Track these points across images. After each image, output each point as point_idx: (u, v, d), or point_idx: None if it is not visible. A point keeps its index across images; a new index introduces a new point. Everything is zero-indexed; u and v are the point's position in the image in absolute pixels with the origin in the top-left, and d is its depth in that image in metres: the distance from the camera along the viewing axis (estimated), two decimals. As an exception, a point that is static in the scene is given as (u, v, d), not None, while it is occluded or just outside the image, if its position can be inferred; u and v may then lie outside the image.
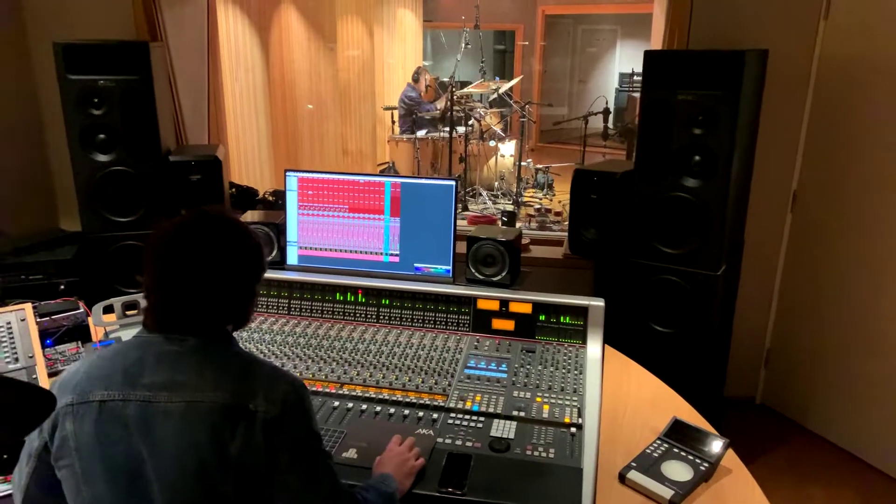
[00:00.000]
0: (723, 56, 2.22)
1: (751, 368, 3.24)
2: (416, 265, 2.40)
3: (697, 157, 2.32)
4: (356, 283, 2.31)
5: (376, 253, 2.43)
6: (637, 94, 9.21)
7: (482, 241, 2.34)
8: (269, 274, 2.26)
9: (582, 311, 2.12)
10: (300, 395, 1.29)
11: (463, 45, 6.64)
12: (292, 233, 2.47)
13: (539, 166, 7.09)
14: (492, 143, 6.61)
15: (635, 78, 10.88)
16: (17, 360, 1.92)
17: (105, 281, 2.75)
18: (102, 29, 3.09)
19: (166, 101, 2.94)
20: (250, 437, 1.19)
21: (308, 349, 2.05)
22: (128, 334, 2.19)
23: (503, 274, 2.34)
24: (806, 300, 3.02)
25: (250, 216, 2.60)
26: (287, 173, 2.45)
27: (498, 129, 6.99)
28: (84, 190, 2.68)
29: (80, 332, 2.15)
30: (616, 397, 1.94)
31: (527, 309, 2.17)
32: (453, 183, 2.33)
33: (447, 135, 6.53)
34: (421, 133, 6.63)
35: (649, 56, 2.37)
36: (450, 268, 2.36)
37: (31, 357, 1.94)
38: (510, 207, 5.89)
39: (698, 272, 2.40)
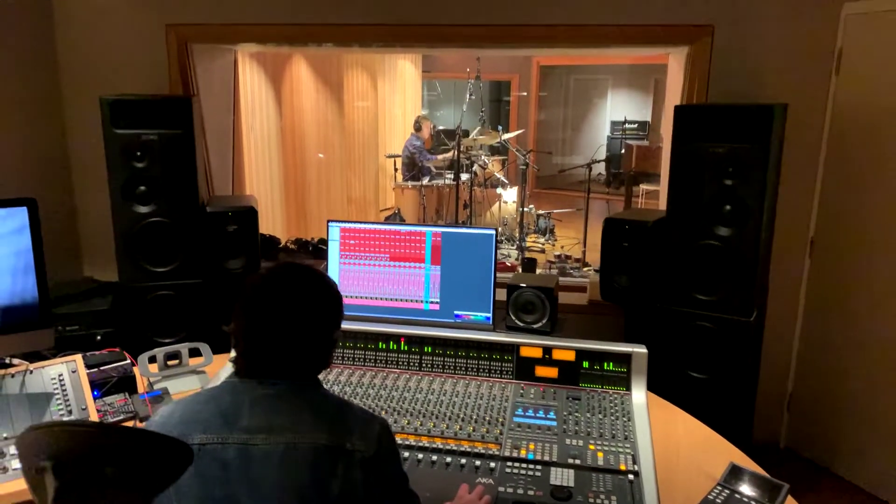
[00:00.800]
0: (752, 110, 2.34)
1: (774, 412, 3.27)
2: (456, 313, 2.44)
3: (728, 207, 2.41)
4: (398, 332, 2.33)
5: (417, 301, 2.47)
6: (633, 143, 9.48)
7: (522, 289, 2.39)
8: None
9: (625, 358, 2.16)
10: (391, 436, 1.37)
11: (468, 95, 6.80)
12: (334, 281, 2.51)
13: (540, 212, 7.21)
14: (498, 191, 6.73)
15: (627, 126, 11.19)
16: (70, 412, 1.92)
17: (141, 331, 2.76)
18: (136, 83, 3.17)
19: (200, 153, 3.00)
20: (349, 476, 1.24)
21: (353, 398, 2.07)
22: (173, 385, 2.20)
23: (544, 321, 2.39)
24: (826, 343, 3.08)
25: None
26: (329, 224, 2.50)
27: (501, 175, 7.13)
28: (123, 240, 2.72)
29: (125, 383, 2.15)
30: (666, 443, 1.96)
31: (570, 356, 2.20)
32: (493, 232, 2.40)
33: (451, 181, 6.67)
34: (426, 180, 6.76)
35: (679, 110, 2.48)
36: (490, 315, 2.41)
37: (83, 409, 1.94)
38: (514, 252, 5.98)
39: (732, 318, 2.46)
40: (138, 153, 2.67)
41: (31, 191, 3.18)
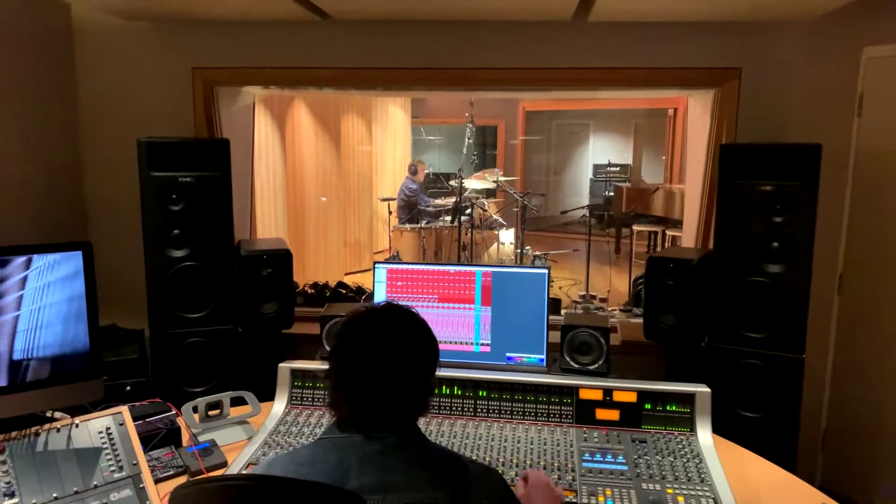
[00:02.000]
0: (801, 149, 2.39)
1: (809, 450, 3.24)
2: (508, 355, 2.39)
3: (776, 244, 2.43)
4: (451, 375, 2.26)
5: (467, 343, 2.42)
6: (622, 184, 9.63)
7: (578, 329, 2.36)
8: None
9: (688, 399, 2.12)
10: (507, 486, 1.32)
11: (467, 139, 6.88)
12: (379, 325, 2.45)
13: (537, 253, 7.24)
14: (502, 233, 6.76)
15: (610, 169, 11.42)
16: (121, 467, 1.81)
17: (172, 380, 2.65)
18: (160, 126, 3.12)
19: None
20: None
21: None
22: (219, 436, 2.09)
23: (600, 362, 2.35)
24: (857, 380, 3.09)
25: (330, 309, 2.57)
26: (376, 265, 2.46)
27: (499, 217, 7.17)
28: (155, 285, 2.62)
29: (169, 436, 2.04)
30: (743, 484, 1.91)
31: (632, 398, 2.15)
32: (545, 272, 2.38)
33: (449, 224, 6.68)
34: (423, 222, 6.76)
35: (726, 149, 2.53)
36: (543, 357, 2.36)
37: (134, 464, 1.83)
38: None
39: (783, 355, 2.45)
40: (174, 196, 2.60)
41: (48, 236, 3.11)
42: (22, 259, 1.76)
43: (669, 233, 7.96)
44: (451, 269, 2.42)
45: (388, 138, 8.70)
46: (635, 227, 8.23)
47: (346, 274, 7.14)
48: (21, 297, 1.77)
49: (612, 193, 10.69)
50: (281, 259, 2.79)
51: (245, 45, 3.18)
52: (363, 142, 7.55)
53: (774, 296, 2.46)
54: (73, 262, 1.84)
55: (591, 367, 2.32)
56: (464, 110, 9.87)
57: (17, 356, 1.77)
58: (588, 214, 11.16)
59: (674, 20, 2.95)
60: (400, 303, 1.37)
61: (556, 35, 3.02)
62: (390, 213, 7.74)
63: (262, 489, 0.89)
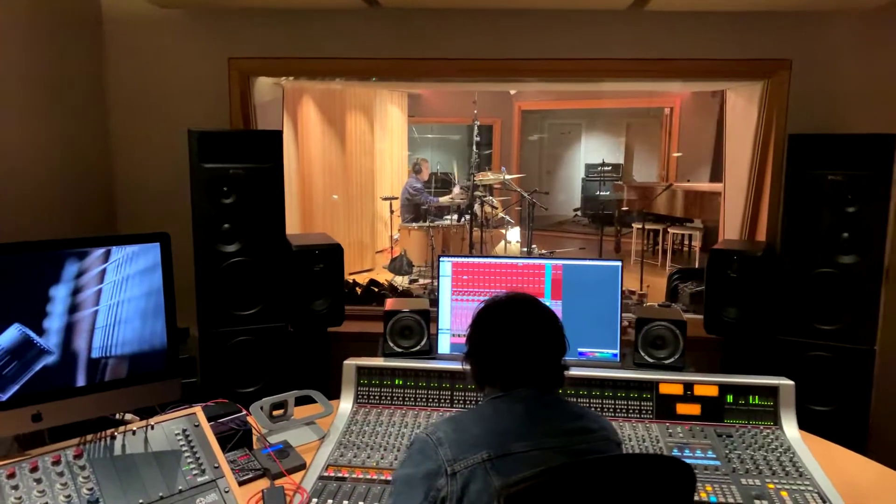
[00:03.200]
0: (874, 139, 2.37)
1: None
2: (580, 350, 2.33)
3: (846, 234, 2.41)
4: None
5: (537, 338, 2.35)
6: (619, 182, 9.66)
7: (653, 323, 2.31)
8: (422, 364, 2.15)
9: (771, 392, 2.09)
10: None
11: (475, 137, 6.82)
12: (444, 320, 2.38)
13: (543, 251, 7.21)
14: (508, 231, 6.71)
15: (604, 168, 11.45)
16: (203, 471, 1.71)
17: (222, 380, 2.53)
18: (194, 118, 3.00)
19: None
20: None
21: None
22: (291, 437, 2.00)
23: (677, 356, 2.30)
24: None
25: (394, 304, 2.48)
26: (440, 259, 2.38)
27: (506, 216, 7.12)
28: (204, 282, 2.50)
29: (242, 438, 1.94)
30: (840, 478, 1.86)
31: (713, 392, 2.11)
32: (619, 264, 2.32)
33: (456, 222, 6.61)
34: (430, 220, 6.69)
35: (795, 139, 2.50)
36: (617, 352, 2.31)
37: (216, 467, 1.73)
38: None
39: (854, 347, 2.43)
40: (224, 188, 2.49)
41: (78, 233, 2.97)
42: (100, 251, 1.66)
43: (672, 230, 7.99)
44: (519, 262, 2.35)
45: (387, 137, 8.60)
46: (635, 226, 8.23)
47: (350, 274, 7.03)
48: (100, 291, 1.66)
49: (606, 193, 10.73)
50: (332, 254, 2.70)
51: (282, 35, 3.07)
52: (366, 140, 7.45)
53: (844, 287, 2.44)
54: (151, 254, 1.73)
55: (667, 362, 2.27)
56: (460, 109, 9.81)
57: (95, 354, 1.66)
58: (583, 214, 11.19)
59: (727, 10, 2.91)
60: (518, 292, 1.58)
61: (609, 25, 2.96)
62: (392, 212, 7.65)
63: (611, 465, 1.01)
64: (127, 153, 3.16)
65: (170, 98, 3.11)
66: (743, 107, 3.24)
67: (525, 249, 6.92)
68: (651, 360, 2.28)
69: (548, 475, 0.99)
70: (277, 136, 2.59)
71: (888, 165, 2.35)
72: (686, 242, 8.37)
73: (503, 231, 6.99)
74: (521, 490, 0.84)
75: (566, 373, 1.50)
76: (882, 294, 3.12)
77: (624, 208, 8.15)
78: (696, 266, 7.29)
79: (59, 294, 1.61)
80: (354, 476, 1.77)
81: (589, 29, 2.97)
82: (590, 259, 2.31)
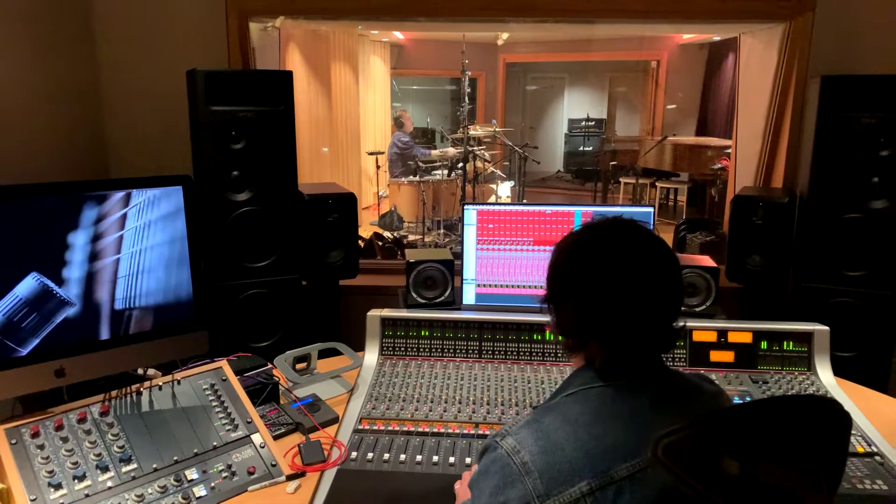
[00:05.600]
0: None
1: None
2: (610, 298, 2.27)
3: (876, 179, 2.36)
4: (544, 320, 2.13)
5: (566, 287, 2.29)
6: (609, 137, 9.58)
7: (685, 270, 2.25)
8: (445, 314, 2.08)
9: (805, 338, 2.06)
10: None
11: (466, 89, 6.64)
12: (469, 270, 2.29)
13: (534, 207, 7.14)
14: (500, 187, 6.61)
15: (588, 123, 11.37)
16: (236, 426, 1.63)
17: (234, 334, 2.43)
18: (189, 60, 2.81)
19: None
20: None
21: (505, 394, 1.87)
22: (319, 390, 1.92)
23: (708, 303, 2.26)
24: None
25: (417, 254, 2.39)
26: (465, 206, 2.28)
27: (497, 170, 7.02)
28: (213, 233, 2.37)
29: (270, 393, 1.86)
30: (879, 420, 1.85)
31: (747, 338, 2.07)
32: (651, 210, 2.25)
33: (446, 177, 6.49)
34: (420, 175, 6.56)
35: (828, 80, 2.42)
36: (646, 299, 2.26)
37: (249, 422, 1.65)
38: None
39: (881, 293, 2.41)
40: (233, 133, 2.33)
41: (68, 175, 2.80)
42: (120, 194, 1.53)
43: (660, 185, 7.97)
44: (548, 209, 2.26)
45: (370, 89, 8.38)
46: (623, 181, 8.20)
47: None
48: (121, 238, 1.54)
49: (589, 148, 10.65)
50: (346, 203, 2.58)
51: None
52: (351, 91, 7.22)
53: (873, 232, 2.40)
54: (173, 198, 1.61)
55: (699, 309, 2.23)
56: (443, 61, 9.56)
57: (118, 306, 1.55)
58: (565, 171, 11.10)
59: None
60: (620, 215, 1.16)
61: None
62: (378, 167, 7.48)
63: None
64: (119, 97, 2.96)
65: (164, 40, 2.91)
66: (761, 51, 3.15)
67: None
68: (683, 308, 2.23)
69: (705, 422, 0.82)
70: (288, 76, 2.43)
71: (922, 106, 2.30)
72: (672, 197, 8.38)
73: (493, 186, 6.89)
74: (677, 440, 0.76)
75: (679, 331, 1.13)
76: None
77: (612, 163, 8.08)
78: (685, 217, 7.31)
79: (78, 241, 1.48)
80: (390, 428, 1.71)
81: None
82: (619, 206, 2.22)
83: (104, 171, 2.98)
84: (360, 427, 1.72)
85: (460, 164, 6.47)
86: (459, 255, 2.31)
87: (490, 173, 7.00)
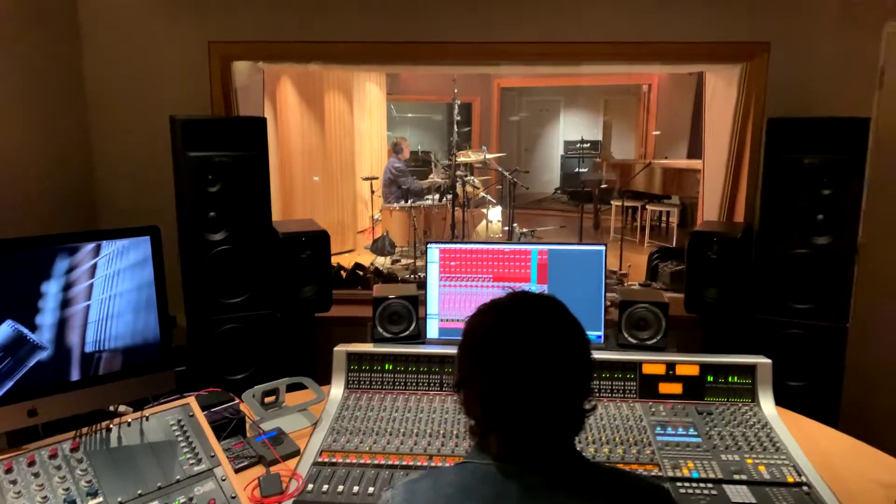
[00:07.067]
0: (848, 122, 2.43)
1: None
2: (565, 332, 2.38)
3: (821, 216, 2.48)
4: (511, 355, 2.23)
5: (524, 322, 2.40)
6: (599, 160, 9.72)
7: (636, 305, 2.36)
8: (409, 348, 2.19)
9: (749, 370, 2.16)
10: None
11: (456, 116, 6.80)
12: (433, 305, 2.41)
13: (524, 230, 7.26)
14: (490, 211, 6.74)
15: (582, 145, 11.52)
16: (200, 460, 1.74)
17: (211, 368, 2.55)
18: (174, 104, 2.97)
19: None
20: None
21: (461, 426, 1.95)
22: (284, 423, 2.03)
23: (659, 337, 2.37)
24: (874, 349, 3.18)
25: (382, 290, 2.51)
26: (428, 245, 2.41)
27: (487, 195, 7.14)
28: (191, 271, 2.50)
29: (236, 426, 1.97)
30: (814, 452, 1.94)
31: (694, 371, 2.17)
32: (602, 248, 2.36)
33: (438, 202, 6.63)
34: (412, 201, 6.70)
35: (773, 123, 2.55)
36: (601, 334, 2.36)
37: (212, 456, 1.76)
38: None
39: (829, 325, 2.52)
40: (210, 176, 2.48)
41: (58, 225, 2.94)
42: (91, 246, 1.66)
43: (650, 207, 8.09)
44: (506, 247, 2.38)
45: (366, 116, 8.55)
46: (615, 203, 8.32)
47: (332, 255, 7.02)
48: (91, 286, 1.66)
49: (584, 170, 10.78)
50: (319, 240, 2.71)
51: (263, 19, 3.04)
52: (345, 120, 7.40)
53: (819, 267, 2.51)
54: (141, 248, 1.74)
55: (650, 343, 2.33)
56: (439, 87, 9.75)
57: (88, 349, 1.67)
58: (562, 192, 11.22)
59: (705, -7, 2.94)
60: (528, 290, 1.20)
61: (587, 8, 2.97)
62: (373, 192, 7.63)
63: None
64: (107, 141, 3.12)
65: (149, 84, 3.08)
66: (722, 89, 3.28)
67: (506, 228, 6.97)
68: (634, 342, 2.34)
69: None
70: (262, 122, 2.58)
71: (862, 149, 2.42)
72: (664, 219, 8.49)
73: (484, 211, 7.02)
74: None
75: (589, 412, 1.10)
76: (854, 272, 3.24)
77: (603, 185, 8.21)
78: (675, 243, 7.42)
79: (51, 290, 1.61)
80: (348, 461, 1.81)
81: (567, 12, 2.97)
82: (574, 244, 2.35)
83: (94, 213, 3.12)
84: (320, 460, 1.82)
85: (457, 188, 6.61)
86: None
87: (481, 198, 7.13)
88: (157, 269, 1.75)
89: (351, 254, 7.44)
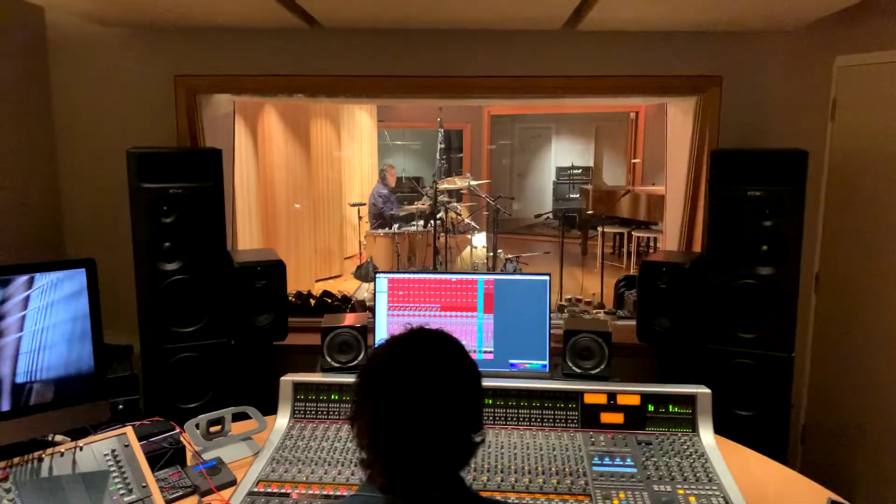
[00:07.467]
0: (789, 154, 2.48)
1: (790, 446, 3.34)
2: (511, 361, 2.41)
3: (766, 247, 2.52)
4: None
5: (470, 351, 2.42)
6: (587, 187, 9.79)
7: (580, 335, 2.39)
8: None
9: (689, 400, 2.17)
10: None
11: (439, 144, 6.89)
12: (381, 334, 2.44)
13: (509, 256, 7.30)
14: (474, 237, 6.79)
15: (574, 171, 11.61)
16: (130, 490, 1.76)
17: (165, 397, 2.58)
18: (140, 136, 3.04)
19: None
20: None
21: None
22: (225, 454, 2.05)
23: (602, 366, 2.39)
24: (835, 376, 3.20)
25: (332, 320, 2.55)
26: (377, 275, 2.45)
27: (471, 222, 7.20)
28: (146, 300, 2.55)
29: (174, 455, 1.99)
30: (748, 482, 1.96)
31: (635, 401, 2.19)
32: (547, 278, 2.40)
33: (422, 229, 6.68)
34: (396, 227, 6.76)
35: (717, 155, 2.60)
36: (546, 363, 2.39)
37: (144, 486, 1.78)
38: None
39: (775, 355, 2.54)
40: (165, 208, 2.53)
41: (28, 255, 2.99)
42: (24, 278, 1.70)
43: (636, 234, 8.13)
44: (453, 277, 2.42)
45: (356, 143, 8.66)
46: (601, 229, 8.36)
47: (317, 280, 7.07)
48: (24, 317, 1.70)
49: (576, 196, 10.86)
50: (274, 270, 2.75)
51: (229, 52, 3.12)
52: (333, 147, 7.50)
53: (764, 297, 2.54)
54: (76, 280, 1.78)
55: (594, 372, 2.36)
56: (430, 114, 9.86)
57: (20, 379, 1.71)
58: (553, 217, 11.30)
59: (659, 29, 3.02)
60: (426, 327, 1.22)
61: (547, 44, 3.05)
62: (360, 218, 7.70)
63: None
64: (74, 173, 3.18)
65: (116, 117, 3.15)
66: (681, 120, 3.35)
67: (491, 254, 7.01)
68: (578, 371, 2.36)
69: None
70: (217, 154, 2.64)
71: (802, 180, 2.46)
72: (652, 245, 8.53)
73: (469, 237, 7.07)
74: None
75: (477, 445, 1.15)
76: (812, 301, 3.27)
77: (589, 212, 8.27)
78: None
79: (-18, 321, 1.64)
80: (283, 491, 1.83)
81: (526, 48, 3.05)
82: (519, 274, 2.38)
83: (62, 244, 3.17)
84: (256, 490, 1.84)
85: (441, 215, 6.66)
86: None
87: (465, 224, 7.18)
88: (91, 301, 1.79)
89: (337, 279, 7.49)
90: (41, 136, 3.11)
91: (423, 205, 6.93)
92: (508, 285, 2.40)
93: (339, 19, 2.85)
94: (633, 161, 9.17)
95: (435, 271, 2.04)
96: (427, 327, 1.21)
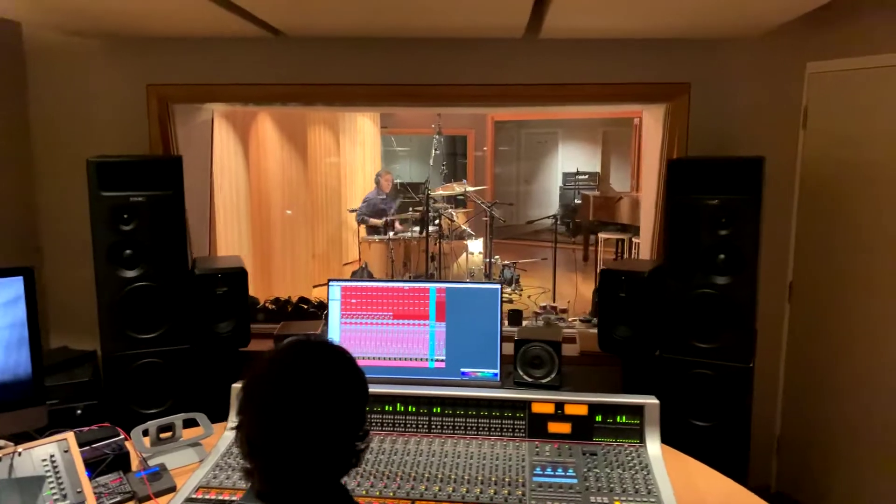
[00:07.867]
0: (743, 162, 2.45)
1: (764, 457, 3.31)
2: (462, 370, 2.40)
3: (722, 256, 2.49)
4: (405, 393, 2.26)
5: (421, 359, 2.43)
6: (589, 193, 9.74)
7: (530, 343, 2.38)
8: None
9: (638, 410, 2.16)
10: None
11: (434, 150, 6.91)
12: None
13: (506, 262, 7.29)
14: (470, 243, 6.80)
15: (580, 177, 11.56)
16: (65, 496, 1.78)
17: (125, 403, 2.61)
18: (114, 144, 3.09)
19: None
20: None
21: (365, 465, 1.98)
22: (170, 460, 2.07)
23: (553, 375, 2.38)
24: (809, 386, 3.16)
25: (285, 328, 2.57)
26: (330, 283, 2.46)
27: (467, 228, 7.21)
28: (107, 307, 2.59)
29: (119, 461, 2.02)
30: (690, 495, 1.94)
31: (583, 411, 2.18)
32: (498, 287, 2.40)
33: (417, 235, 6.70)
34: (391, 234, 6.78)
35: (673, 164, 2.58)
36: (497, 371, 2.38)
37: (79, 492, 1.81)
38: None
39: (732, 365, 2.51)
40: (125, 216, 2.57)
41: (4, 260, 3.06)
42: (-40, 286, 1.74)
43: (635, 240, 8.08)
44: (406, 285, 2.42)
45: (358, 149, 8.69)
46: (602, 235, 8.32)
47: (315, 286, 7.11)
48: (-41, 324, 1.74)
49: (579, 202, 10.82)
50: (236, 277, 2.78)
51: (201, 62, 3.16)
52: (330, 153, 7.54)
53: (722, 307, 2.52)
54: (13, 287, 1.82)
55: (544, 381, 2.35)
56: (434, 120, 9.92)
57: (-45, 385, 1.74)
58: (557, 221, 11.29)
59: (622, 37, 3.01)
60: (313, 338, 1.25)
61: (512, 52, 3.06)
62: (359, 224, 7.73)
63: None
64: (49, 181, 3.24)
65: (92, 126, 3.20)
66: (653, 127, 3.33)
67: (487, 260, 7.02)
68: (529, 380, 2.36)
69: None
70: (177, 162, 2.67)
71: (758, 188, 2.43)
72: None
73: (466, 242, 7.08)
74: None
75: (361, 452, 1.17)
76: (786, 311, 3.23)
77: (590, 219, 8.24)
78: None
79: (-85, 328, 1.68)
80: (222, 498, 1.84)
81: (491, 56, 3.06)
82: (470, 283, 2.38)
83: (38, 253, 3.23)
84: (195, 496, 1.86)
85: (438, 221, 6.68)
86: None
87: (462, 230, 7.19)
88: (29, 308, 1.83)
89: (335, 285, 7.51)
90: (18, 147, 3.17)
91: (415, 211, 6.96)
92: (460, 294, 2.40)
93: (300, 28, 2.88)
94: (632, 166, 9.12)
95: (400, 280, 2.05)
96: (313, 339, 1.23)
